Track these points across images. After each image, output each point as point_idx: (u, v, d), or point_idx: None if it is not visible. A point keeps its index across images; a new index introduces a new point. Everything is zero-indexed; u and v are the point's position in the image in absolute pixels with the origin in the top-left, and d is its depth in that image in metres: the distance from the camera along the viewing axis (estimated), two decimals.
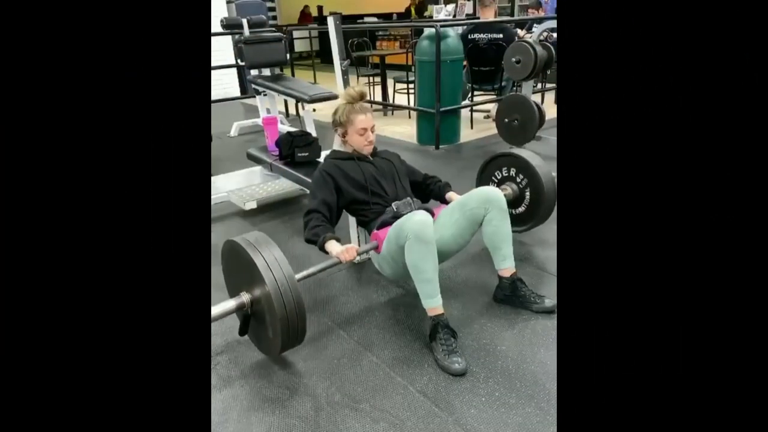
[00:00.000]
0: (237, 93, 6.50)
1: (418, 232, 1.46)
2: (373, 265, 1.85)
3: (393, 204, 1.75)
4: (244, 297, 1.42)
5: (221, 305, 1.39)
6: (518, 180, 2.10)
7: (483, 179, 2.23)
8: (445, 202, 1.91)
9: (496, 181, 2.18)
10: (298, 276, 1.41)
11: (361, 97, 1.81)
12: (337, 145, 2.08)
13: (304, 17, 11.09)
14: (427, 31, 3.74)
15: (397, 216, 1.68)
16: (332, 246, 1.58)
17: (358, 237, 2.10)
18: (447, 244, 1.68)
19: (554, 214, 2.13)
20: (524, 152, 2.10)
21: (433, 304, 1.50)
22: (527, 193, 2.08)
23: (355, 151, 1.85)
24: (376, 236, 1.68)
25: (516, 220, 2.06)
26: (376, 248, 1.67)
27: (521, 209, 2.12)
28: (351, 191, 1.77)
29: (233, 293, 1.52)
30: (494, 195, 1.67)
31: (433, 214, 1.72)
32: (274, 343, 1.38)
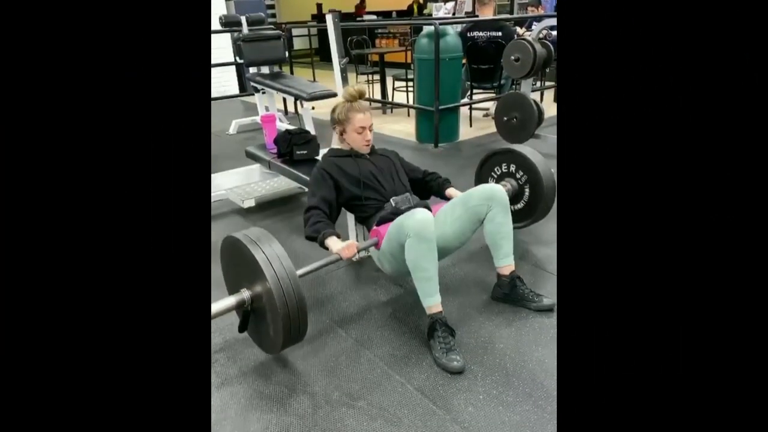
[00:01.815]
0: (236, 91, 6.49)
1: (419, 231, 1.46)
2: (373, 262, 1.85)
3: (392, 199, 1.75)
4: (245, 294, 1.41)
5: (221, 302, 1.39)
6: (517, 176, 2.10)
7: (482, 175, 2.23)
8: (445, 198, 1.91)
9: (495, 177, 2.18)
10: (299, 272, 1.40)
11: (360, 95, 1.81)
12: (335, 143, 2.08)
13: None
14: (426, 29, 3.74)
15: (396, 212, 1.68)
16: (333, 242, 1.58)
17: (357, 234, 2.10)
18: (448, 240, 1.69)
19: (553, 211, 2.14)
20: (523, 148, 2.10)
21: (431, 302, 1.51)
22: (526, 190, 2.09)
23: (353, 149, 1.85)
24: (376, 232, 1.68)
25: (515, 217, 2.06)
26: (376, 244, 1.67)
27: (520, 205, 2.12)
28: (348, 188, 1.77)
29: (233, 290, 1.52)
30: (497, 192, 1.67)
31: (431, 211, 1.72)
32: (275, 340, 1.38)
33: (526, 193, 2.09)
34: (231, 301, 1.40)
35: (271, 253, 1.32)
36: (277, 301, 1.28)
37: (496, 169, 2.18)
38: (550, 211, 2.12)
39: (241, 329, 1.50)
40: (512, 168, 2.11)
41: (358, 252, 1.61)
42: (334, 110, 1.84)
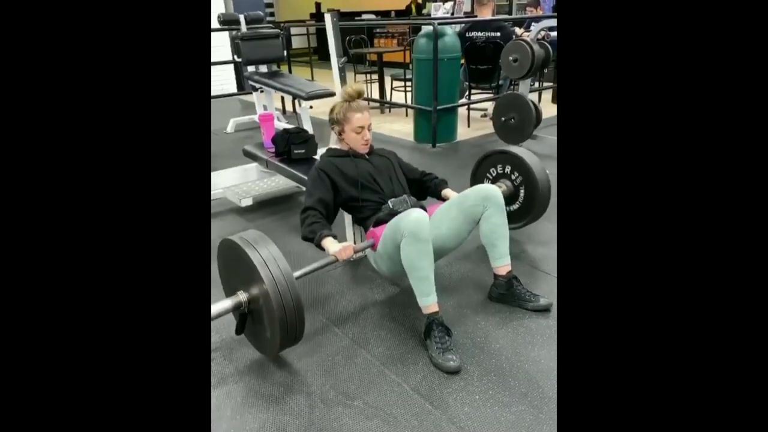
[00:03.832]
0: (234, 89, 6.48)
1: (414, 230, 1.46)
2: (369, 262, 1.85)
3: (389, 201, 1.75)
4: (242, 296, 1.41)
5: (218, 305, 1.38)
6: (513, 177, 2.11)
7: (477, 177, 2.24)
8: (441, 199, 1.91)
9: (491, 178, 2.19)
10: (296, 274, 1.40)
11: (359, 95, 1.81)
12: (333, 143, 2.08)
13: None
14: (425, 29, 3.74)
15: (392, 213, 1.68)
16: (329, 244, 1.58)
17: (354, 234, 2.10)
18: (444, 240, 1.69)
19: (549, 211, 2.14)
20: (519, 150, 2.10)
21: (428, 302, 1.51)
22: (522, 191, 2.09)
23: (352, 149, 1.85)
24: (372, 234, 1.68)
25: (510, 217, 2.05)
26: (373, 246, 1.67)
27: (515, 206, 2.13)
28: (346, 188, 1.77)
29: (229, 292, 1.51)
30: (492, 192, 1.67)
31: (426, 212, 1.72)
32: (272, 343, 1.38)
33: (521, 195, 2.10)
34: (227, 303, 1.40)
35: (268, 255, 1.32)
36: (274, 304, 1.28)
37: (491, 171, 2.18)
38: (545, 212, 2.13)
39: (239, 332, 1.50)
40: (508, 169, 2.12)
41: (355, 254, 1.61)
42: (332, 110, 1.84)
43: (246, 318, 1.46)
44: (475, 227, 1.72)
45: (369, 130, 1.82)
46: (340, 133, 1.84)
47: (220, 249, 1.50)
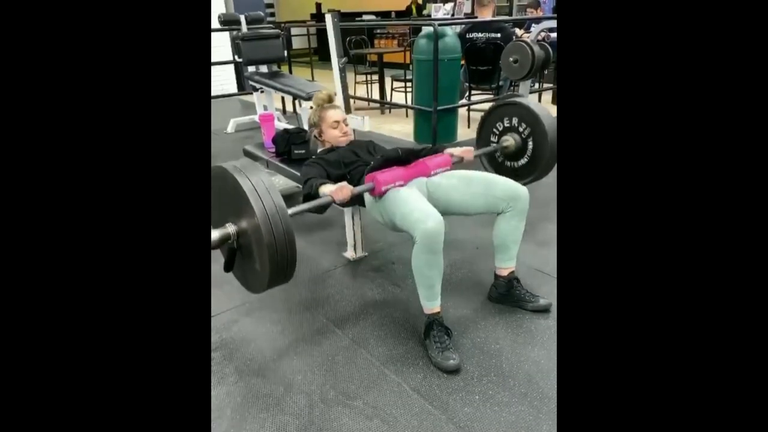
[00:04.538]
0: (234, 89, 6.48)
1: (428, 243, 1.40)
2: (369, 261, 1.85)
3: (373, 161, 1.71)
4: (230, 228, 1.31)
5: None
6: (521, 130, 1.98)
7: (484, 132, 2.11)
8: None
9: (498, 132, 2.06)
10: (290, 211, 1.30)
11: (329, 99, 1.94)
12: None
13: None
14: (426, 29, 3.74)
15: (386, 157, 1.67)
16: (325, 187, 1.53)
17: (354, 236, 2.11)
18: (450, 205, 1.67)
19: (549, 212, 2.14)
20: (528, 101, 1.98)
21: (431, 306, 1.51)
22: (530, 144, 1.96)
23: (334, 145, 1.93)
24: (372, 177, 1.59)
25: (518, 173, 1.98)
26: (372, 190, 1.58)
27: (523, 161, 2.00)
28: (334, 172, 1.76)
29: (218, 226, 1.38)
30: (523, 195, 1.63)
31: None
32: (262, 275, 1.27)
33: (530, 147, 1.96)
34: (215, 235, 1.29)
35: (258, 182, 1.23)
36: (263, 232, 1.18)
37: (498, 125, 2.04)
38: (553, 168, 1.98)
39: (227, 268, 1.40)
40: (515, 121, 1.98)
41: (353, 195, 1.54)
42: (309, 117, 1.93)
43: (235, 254, 1.36)
44: (486, 214, 1.69)
45: (345, 124, 1.91)
46: (320, 134, 1.95)
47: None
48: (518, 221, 1.65)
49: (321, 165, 1.78)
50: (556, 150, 1.89)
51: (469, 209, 1.69)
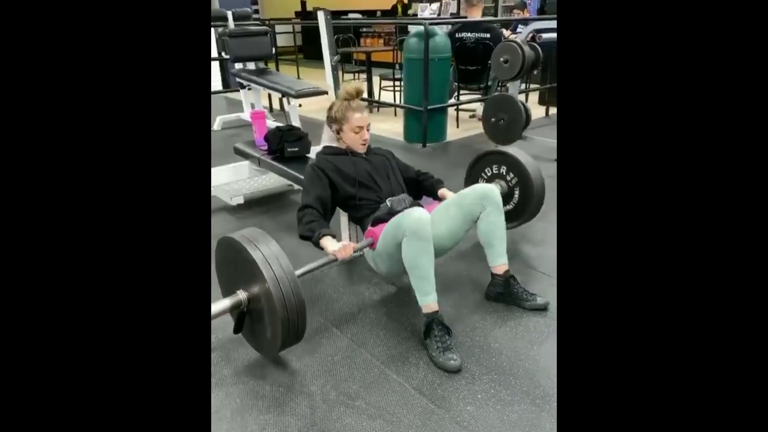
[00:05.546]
0: (219, 87, 6.39)
1: (416, 229, 1.45)
2: (366, 261, 1.84)
3: (387, 200, 1.74)
4: (241, 295, 1.38)
5: (217, 304, 1.35)
6: (508, 178, 2.12)
7: (472, 176, 2.24)
8: (437, 198, 1.91)
9: (485, 178, 2.19)
10: (297, 273, 1.38)
11: (358, 93, 1.80)
12: (326, 140, 2.05)
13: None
14: (416, 29, 3.74)
15: (391, 212, 1.67)
16: (328, 243, 1.55)
17: (350, 233, 2.09)
18: (442, 239, 1.68)
19: (542, 211, 2.16)
20: (514, 150, 2.11)
21: (428, 301, 1.50)
22: (516, 191, 2.11)
23: (349, 147, 1.83)
24: (371, 233, 1.66)
25: (505, 217, 2.07)
26: (371, 245, 1.66)
27: (510, 207, 2.14)
28: (344, 186, 1.75)
29: (227, 292, 1.48)
30: (491, 192, 1.68)
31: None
32: (273, 343, 1.35)
33: (516, 195, 2.11)
34: (226, 303, 1.37)
35: (269, 253, 1.30)
36: (276, 303, 1.26)
37: (486, 171, 2.19)
38: (539, 213, 2.14)
39: (237, 331, 1.47)
40: (503, 170, 2.13)
41: (354, 252, 1.60)
42: (331, 108, 1.82)
43: (244, 317, 1.43)
44: (473, 227, 1.72)
45: (368, 130, 1.81)
46: (338, 132, 1.83)
47: (218, 247, 1.47)
48: (495, 216, 1.67)
49: (324, 175, 1.74)
50: (540, 199, 2.08)
51: (458, 232, 1.71)
